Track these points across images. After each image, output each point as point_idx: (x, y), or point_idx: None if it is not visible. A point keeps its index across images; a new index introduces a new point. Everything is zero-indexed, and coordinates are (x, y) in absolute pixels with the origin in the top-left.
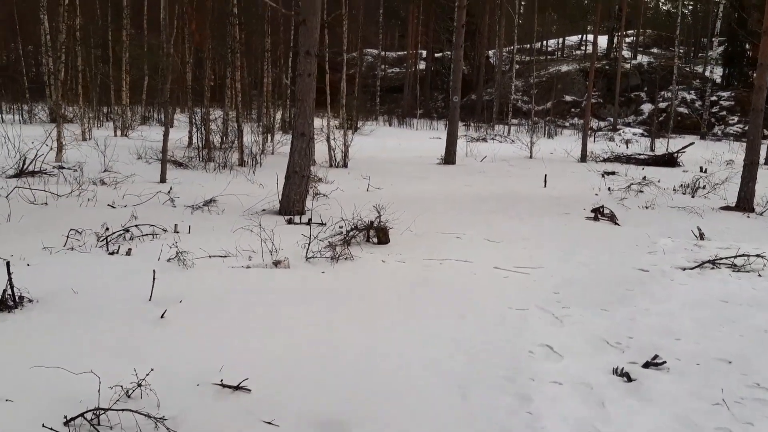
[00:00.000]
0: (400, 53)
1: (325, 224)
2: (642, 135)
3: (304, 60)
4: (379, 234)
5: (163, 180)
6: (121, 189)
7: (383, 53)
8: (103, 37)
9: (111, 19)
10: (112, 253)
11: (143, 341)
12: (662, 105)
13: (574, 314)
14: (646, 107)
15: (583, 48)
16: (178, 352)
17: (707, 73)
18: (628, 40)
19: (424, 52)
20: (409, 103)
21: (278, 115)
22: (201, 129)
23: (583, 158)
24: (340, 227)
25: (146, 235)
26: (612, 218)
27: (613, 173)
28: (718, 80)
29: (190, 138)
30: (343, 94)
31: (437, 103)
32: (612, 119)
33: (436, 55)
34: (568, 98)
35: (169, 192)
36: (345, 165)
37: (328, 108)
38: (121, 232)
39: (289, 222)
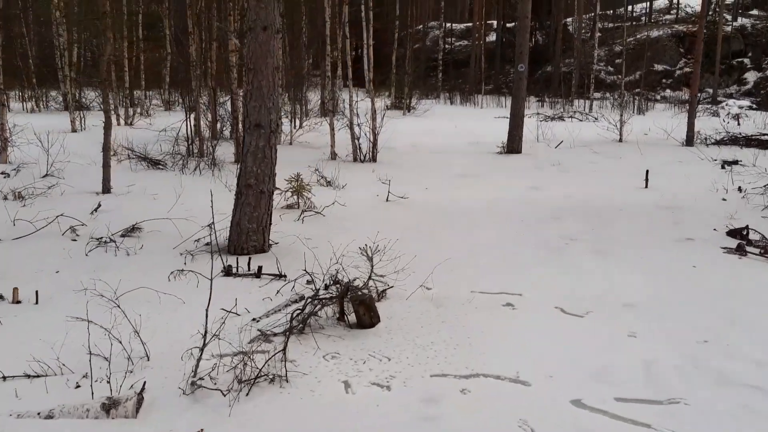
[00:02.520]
0: (468, 25)
1: (284, 276)
2: (750, 108)
3: (257, 4)
4: (359, 310)
5: (106, 190)
6: (36, 206)
7: (449, 25)
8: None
9: None
10: None
11: None
12: None
13: None
14: (751, 76)
15: (673, 12)
16: None
17: None
18: (727, 1)
19: (495, 23)
20: (475, 78)
21: (314, 95)
22: (189, 116)
23: (690, 141)
24: (309, 281)
25: None
26: None
27: (735, 162)
28: None
29: (197, 127)
30: (372, 67)
31: (508, 77)
32: (711, 90)
33: (508, 25)
34: (658, 67)
35: (93, 212)
36: (373, 158)
37: (350, 83)
38: None
39: (227, 273)
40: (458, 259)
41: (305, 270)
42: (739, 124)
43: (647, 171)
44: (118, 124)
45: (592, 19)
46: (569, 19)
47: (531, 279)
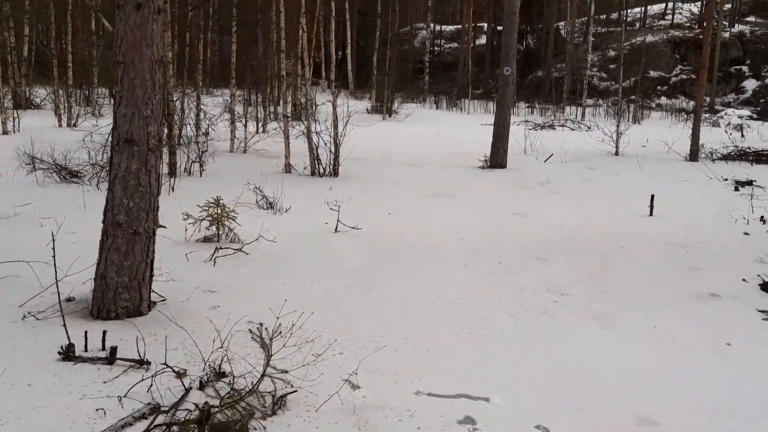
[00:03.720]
0: (457, 27)
1: (147, 364)
2: (750, 118)
3: None
4: None
5: None
6: None
7: (438, 27)
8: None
9: None
10: None
11: None
12: None
13: None
14: (749, 84)
15: (668, 18)
16: None
17: None
18: (725, 6)
19: (485, 25)
20: (463, 82)
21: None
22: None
23: (694, 156)
24: (179, 374)
25: None
26: None
27: (750, 183)
28: None
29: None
30: (334, 67)
31: (497, 82)
32: (708, 99)
33: (499, 28)
34: (653, 74)
35: None
36: (335, 173)
37: (307, 83)
38: None
39: (67, 356)
40: (406, 329)
41: (165, 364)
42: (743, 135)
43: (652, 196)
44: (60, 125)
45: (585, 23)
46: (561, 23)
47: (504, 368)
